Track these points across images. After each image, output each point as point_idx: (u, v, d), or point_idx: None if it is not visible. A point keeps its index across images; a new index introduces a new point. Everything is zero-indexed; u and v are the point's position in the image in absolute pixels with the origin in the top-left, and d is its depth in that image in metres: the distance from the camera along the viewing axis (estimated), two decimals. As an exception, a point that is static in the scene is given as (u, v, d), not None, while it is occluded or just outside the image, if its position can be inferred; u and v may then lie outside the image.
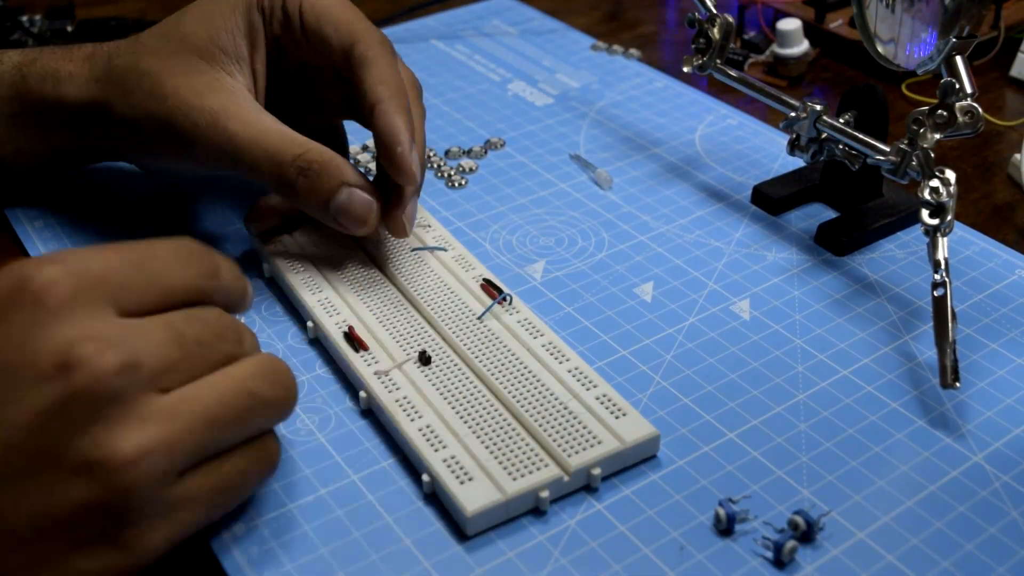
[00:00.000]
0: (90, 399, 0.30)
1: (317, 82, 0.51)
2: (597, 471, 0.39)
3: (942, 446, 0.41)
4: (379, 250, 0.49)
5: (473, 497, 0.37)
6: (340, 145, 0.56)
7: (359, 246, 0.50)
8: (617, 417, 0.40)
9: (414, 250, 0.49)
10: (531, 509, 0.38)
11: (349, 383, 0.44)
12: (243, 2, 0.48)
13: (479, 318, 0.45)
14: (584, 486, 0.39)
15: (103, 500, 0.30)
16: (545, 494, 0.38)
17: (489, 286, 0.47)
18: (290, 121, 0.47)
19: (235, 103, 0.46)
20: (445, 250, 0.49)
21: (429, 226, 0.51)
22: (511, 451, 0.39)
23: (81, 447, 0.30)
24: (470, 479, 0.38)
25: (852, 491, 0.39)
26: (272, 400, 0.35)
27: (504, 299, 0.46)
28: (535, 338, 0.44)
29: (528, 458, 0.39)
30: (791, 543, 0.36)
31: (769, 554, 0.37)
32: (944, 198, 0.45)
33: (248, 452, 0.35)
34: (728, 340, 0.47)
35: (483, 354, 0.43)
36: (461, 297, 0.46)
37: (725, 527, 0.37)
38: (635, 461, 0.40)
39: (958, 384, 0.42)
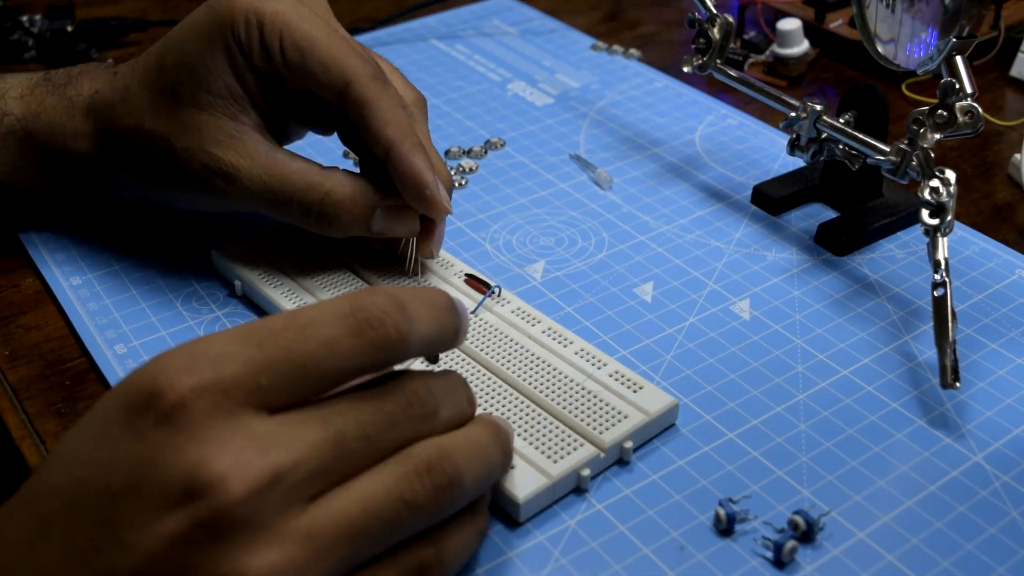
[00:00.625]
0: (217, 527, 0.27)
1: (319, 103, 0.48)
2: (629, 444, 0.40)
3: (942, 446, 0.41)
4: (353, 253, 0.49)
5: (521, 484, 0.38)
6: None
7: (329, 250, 0.50)
8: (635, 391, 0.41)
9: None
10: (573, 489, 0.39)
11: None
12: (217, 38, 0.44)
13: (473, 312, 0.46)
14: (617, 460, 0.40)
15: None
16: (586, 472, 0.39)
17: (473, 280, 0.47)
18: (308, 129, 0.46)
19: (247, 154, 0.45)
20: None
21: None
22: (543, 436, 0.40)
23: (213, 572, 0.27)
24: (512, 467, 0.38)
25: (852, 491, 0.39)
26: (422, 505, 0.31)
27: (493, 292, 0.46)
28: (533, 325, 0.45)
29: (562, 440, 0.39)
30: (791, 543, 0.36)
31: (769, 554, 0.37)
32: (944, 198, 0.45)
33: (401, 559, 0.31)
34: (728, 340, 0.47)
35: (487, 347, 0.44)
36: (450, 294, 0.46)
37: (725, 527, 0.37)
38: (659, 430, 0.42)
39: (958, 384, 0.42)
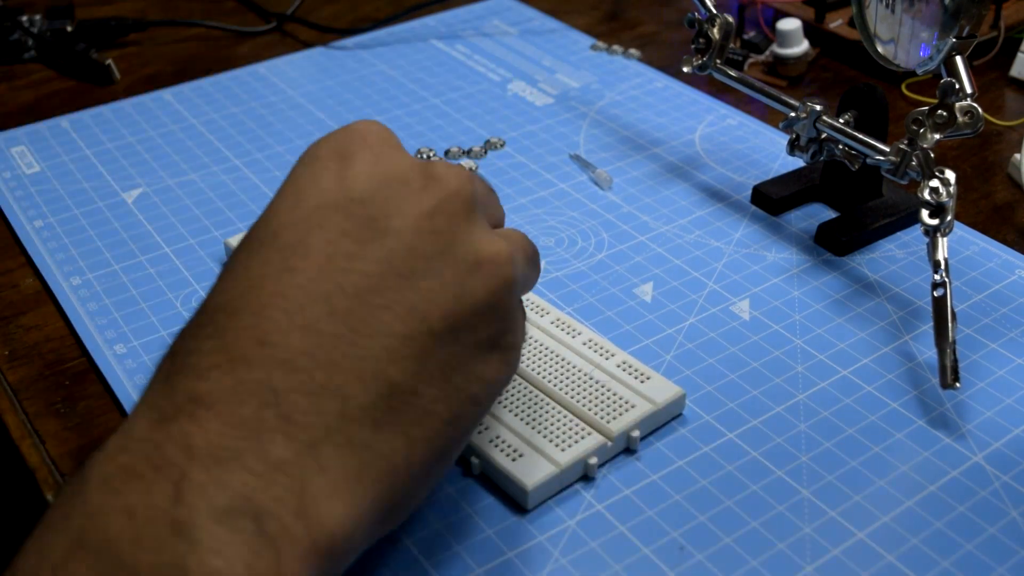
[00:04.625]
0: (457, 203, 0.33)
1: None
2: (636, 433, 0.41)
3: (942, 446, 0.41)
4: None
5: (529, 472, 0.38)
6: None
7: None
8: (642, 381, 0.42)
9: None
10: (580, 477, 0.40)
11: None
12: None
13: None
14: (624, 449, 0.41)
15: (494, 298, 0.32)
16: (594, 460, 0.39)
17: None
18: None
19: None
20: None
21: None
22: (551, 425, 0.40)
23: (468, 244, 0.32)
24: (520, 456, 0.39)
25: (852, 491, 0.39)
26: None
27: None
28: (542, 316, 0.45)
29: (570, 429, 0.40)
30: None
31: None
32: (944, 198, 0.45)
33: None
34: (728, 340, 0.47)
35: None
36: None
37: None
38: (666, 420, 0.42)
39: (958, 384, 0.42)
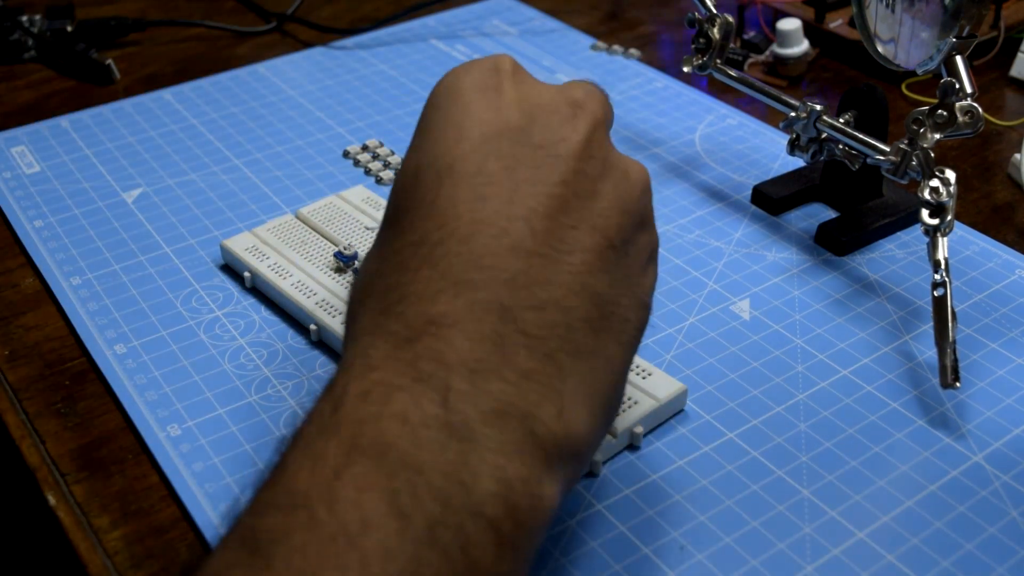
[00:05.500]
0: (603, 128, 0.35)
1: None
2: (639, 429, 0.41)
3: (942, 446, 0.41)
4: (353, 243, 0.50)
5: None
6: None
7: (330, 241, 0.51)
8: (644, 378, 0.42)
9: None
10: (585, 473, 0.40)
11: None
12: None
13: None
14: (628, 445, 0.41)
15: (646, 209, 0.35)
16: (598, 456, 0.40)
17: None
18: None
19: None
20: None
21: None
22: None
23: (617, 163, 0.34)
24: None
25: (852, 491, 0.39)
26: None
27: None
28: None
29: None
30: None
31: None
32: (944, 198, 0.45)
33: None
34: (728, 340, 0.47)
35: None
36: None
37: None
38: (669, 416, 0.42)
39: (958, 384, 0.42)
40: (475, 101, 0.35)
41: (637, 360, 0.43)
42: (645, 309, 0.35)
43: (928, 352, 0.46)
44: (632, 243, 0.34)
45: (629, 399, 0.41)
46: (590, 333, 0.32)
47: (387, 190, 0.57)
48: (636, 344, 0.34)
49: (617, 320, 0.33)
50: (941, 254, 0.44)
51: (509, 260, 0.31)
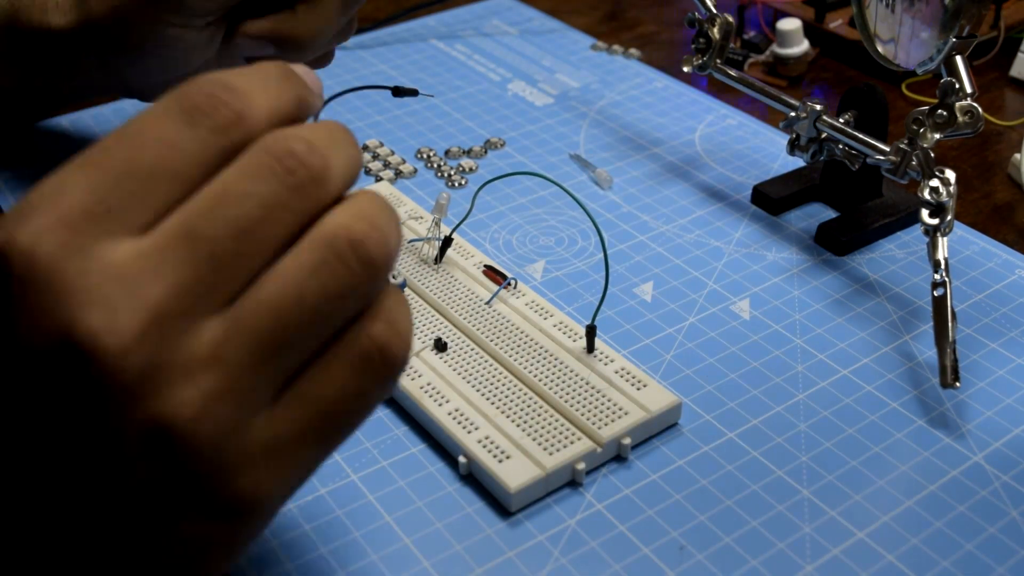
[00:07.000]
0: (115, 384, 0.24)
1: None
2: (627, 440, 0.40)
3: (942, 446, 0.41)
4: None
5: (514, 474, 0.38)
6: None
7: None
8: (638, 388, 0.42)
9: (411, 241, 0.50)
10: (568, 482, 0.39)
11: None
12: None
13: (487, 303, 0.46)
14: (615, 456, 0.40)
15: (182, 470, 0.25)
16: (581, 466, 0.39)
17: (491, 272, 0.48)
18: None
19: None
20: (439, 239, 0.49)
21: (420, 218, 0.52)
22: (542, 428, 0.40)
23: (128, 430, 0.25)
24: (507, 457, 0.39)
25: (852, 491, 0.39)
26: (360, 273, 0.26)
27: (509, 284, 0.47)
28: (545, 319, 0.45)
29: (560, 433, 0.40)
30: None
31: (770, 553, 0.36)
32: (944, 198, 0.45)
33: (348, 348, 0.27)
34: (728, 340, 0.47)
35: (498, 338, 0.44)
36: (466, 284, 0.47)
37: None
38: (661, 428, 0.42)
39: (958, 384, 0.42)
40: None
41: (632, 370, 0.42)
42: None
43: (928, 352, 0.46)
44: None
45: (620, 408, 0.41)
46: None
47: (387, 190, 0.57)
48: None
49: None
50: (941, 254, 0.44)
51: None
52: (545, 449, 0.39)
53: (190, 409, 0.25)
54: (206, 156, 0.26)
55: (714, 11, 0.55)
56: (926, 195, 0.45)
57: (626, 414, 0.41)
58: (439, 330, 0.45)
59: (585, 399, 0.41)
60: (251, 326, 0.25)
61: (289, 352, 0.26)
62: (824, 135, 0.51)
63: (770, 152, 0.60)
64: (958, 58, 0.45)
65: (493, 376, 0.42)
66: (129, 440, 0.25)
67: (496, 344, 0.44)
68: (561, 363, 0.43)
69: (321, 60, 0.55)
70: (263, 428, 0.26)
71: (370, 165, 0.59)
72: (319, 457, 0.28)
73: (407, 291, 0.48)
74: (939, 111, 0.45)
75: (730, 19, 0.55)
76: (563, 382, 0.42)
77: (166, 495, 0.26)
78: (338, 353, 0.27)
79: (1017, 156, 0.58)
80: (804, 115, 0.51)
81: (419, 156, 0.61)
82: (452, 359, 0.43)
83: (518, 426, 0.40)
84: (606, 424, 0.40)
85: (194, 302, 0.25)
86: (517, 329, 0.45)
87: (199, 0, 0.48)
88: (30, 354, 0.24)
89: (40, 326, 0.24)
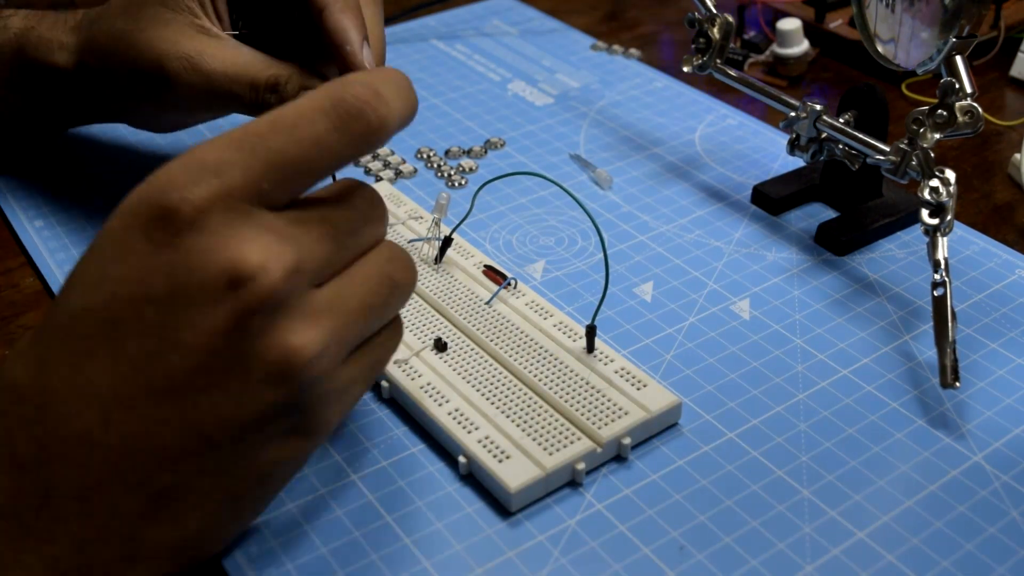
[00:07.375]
0: (263, 310, 0.30)
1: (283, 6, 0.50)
2: (627, 440, 0.40)
3: (942, 446, 0.41)
4: None
5: (514, 474, 0.38)
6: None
7: None
8: (638, 388, 0.42)
9: (411, 241, 0.50)
10: (568, 482, 0.39)
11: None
12: None
13: (487, 303, 0.46)
14: (615, 456, 0.40)
15: (290, 399, 0.31)
16: (581, 466, 0.39)
17: (491, 272, 0.48)
18: (272, 50, 0.47)
19: (207, 43, 0.46)
20: (439, 240, 0.49)
21: (420, 218, 0.52)
22: (542, 428, 0.40)
23: (263, 355, 0.30)
24: (507, 457, 0.39)
25: (852, 491, 0.39)
26: (404, 284, 0.35)
27: (509, 284, 0.47)
28: (545, 319, 0.45)
29: (560, 433, 0.40)
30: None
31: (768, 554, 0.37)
32: (944, 198, 0.45)
33: (389, 330, 0.36)
34: (728, 340, 0.47)
35: (498, 338, 0.44)
36: (466, 284, 0.47)
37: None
38: (661, 428, 0.42)
39: (958, 384, 0.42)
40: (119, 254, 0.31)
41: (633, 370, 0.43)
42: (256, 484, 0.33)
43: (928, 352, 0.46)
44: (245, 441, 0.32)
45: (620, 409, 0.41)
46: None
47: (387, 190, 0.57)
48: (224, 513, 0.33)
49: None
50: (941, 254, 0.44)
51: (75, 449, 0.30)
52: (545, 449, 0.39)
53: (312, 349, 0.31)
54: (347, 157, 0.32)
55: (714, 11, 0.55)
56: (926, 195, 0.45)
57: (626, 414, 0.41)
58: (439, 330, 0.45)
59: (585, 399, 0.41)
60: (356, 296, 0.33)
61: (367, 322, 0.34)
62: (824, 135, 0.51)
63: (770, 152, 0.60)
64: (958, 58, 0.45)
65: (493, 376, 0.42)
66: (260, 366, 0.30)
67: (496, 344, 0.44)
68: (561, 363, 0.43)
69: None
70: (345, 373, 0.33)
71: (370, 165, 0.59)
72: (362, 396, 0.36)
73: None
74: (939, 111, 0.45)
75: (730, 19, 0.55)
76: (563, 382, 0.42)
77: (278, 417, 0.31)
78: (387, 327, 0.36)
79: (1017, 156, 0.58)
80: (804, 115, 0.51)
81: (419, 156, 0.61)
82: (452, 359, 0.43)
83: (518, 426, 0.40)
84: (606, 424, 0.40)
85: (319, 267, 0.32)
86: (517, 329, 0.45)
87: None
88: (198, 288, 0.30)
89: (211, 262, 0.29)
